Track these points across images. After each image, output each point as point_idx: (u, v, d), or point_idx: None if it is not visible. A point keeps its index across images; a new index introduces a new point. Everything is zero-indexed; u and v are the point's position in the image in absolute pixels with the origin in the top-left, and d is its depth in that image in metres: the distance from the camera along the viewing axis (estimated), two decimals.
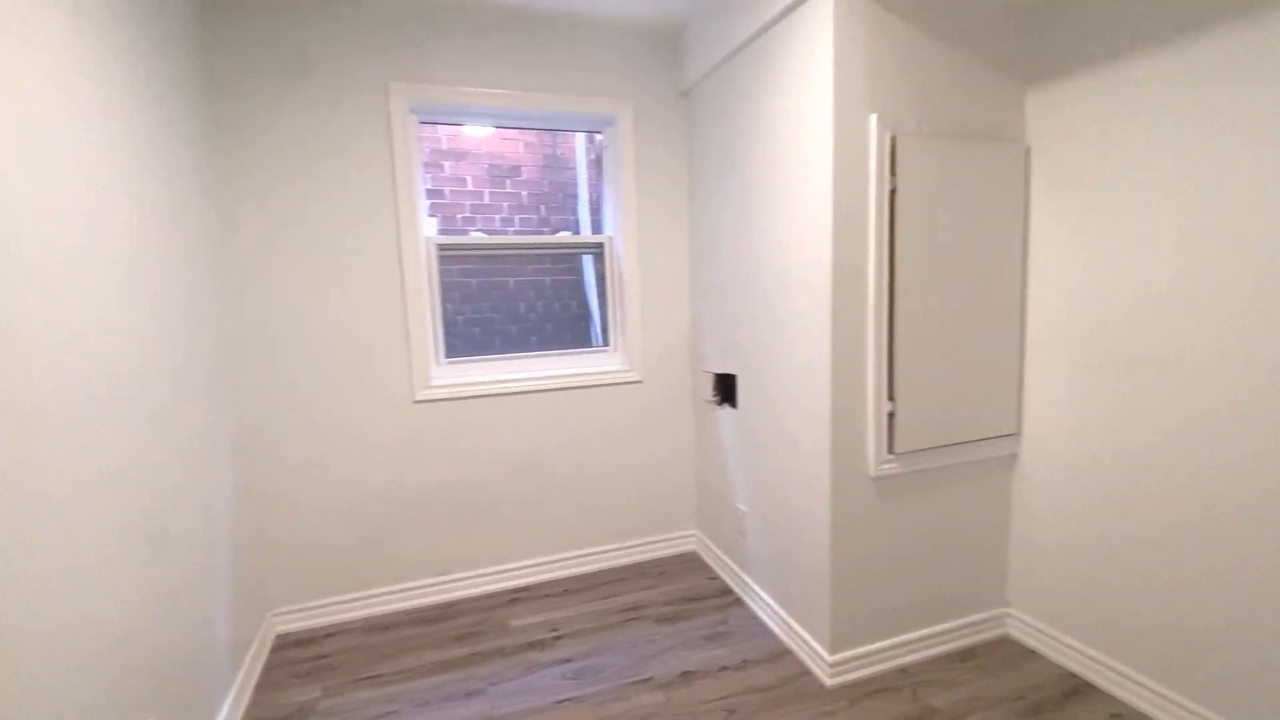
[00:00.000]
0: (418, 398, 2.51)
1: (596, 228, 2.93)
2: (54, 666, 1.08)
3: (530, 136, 2.90)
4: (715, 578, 2.74)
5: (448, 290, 2.72)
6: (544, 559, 2.78)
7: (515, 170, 2.92)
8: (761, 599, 2.39)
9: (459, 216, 2.86)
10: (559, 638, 2.32)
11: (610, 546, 2.88)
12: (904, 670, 2.06)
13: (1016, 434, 2.14)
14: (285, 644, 2.34)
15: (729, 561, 2.67)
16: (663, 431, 2.91)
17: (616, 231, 2.78)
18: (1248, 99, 1.49)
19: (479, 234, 2.78)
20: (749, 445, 2.41)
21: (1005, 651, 2.14)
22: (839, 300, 1.87)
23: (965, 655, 2.12)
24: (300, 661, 2.23)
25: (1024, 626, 2.18)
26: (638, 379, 2.82)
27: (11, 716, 0.97)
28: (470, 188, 2.87)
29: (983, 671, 2.04)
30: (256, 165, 2.23)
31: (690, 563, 2.89)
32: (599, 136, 2.85)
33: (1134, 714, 1.81)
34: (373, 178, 2.38)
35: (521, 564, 2.74)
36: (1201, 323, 1.62)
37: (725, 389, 2.58)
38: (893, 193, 1.87)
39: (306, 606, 2.45)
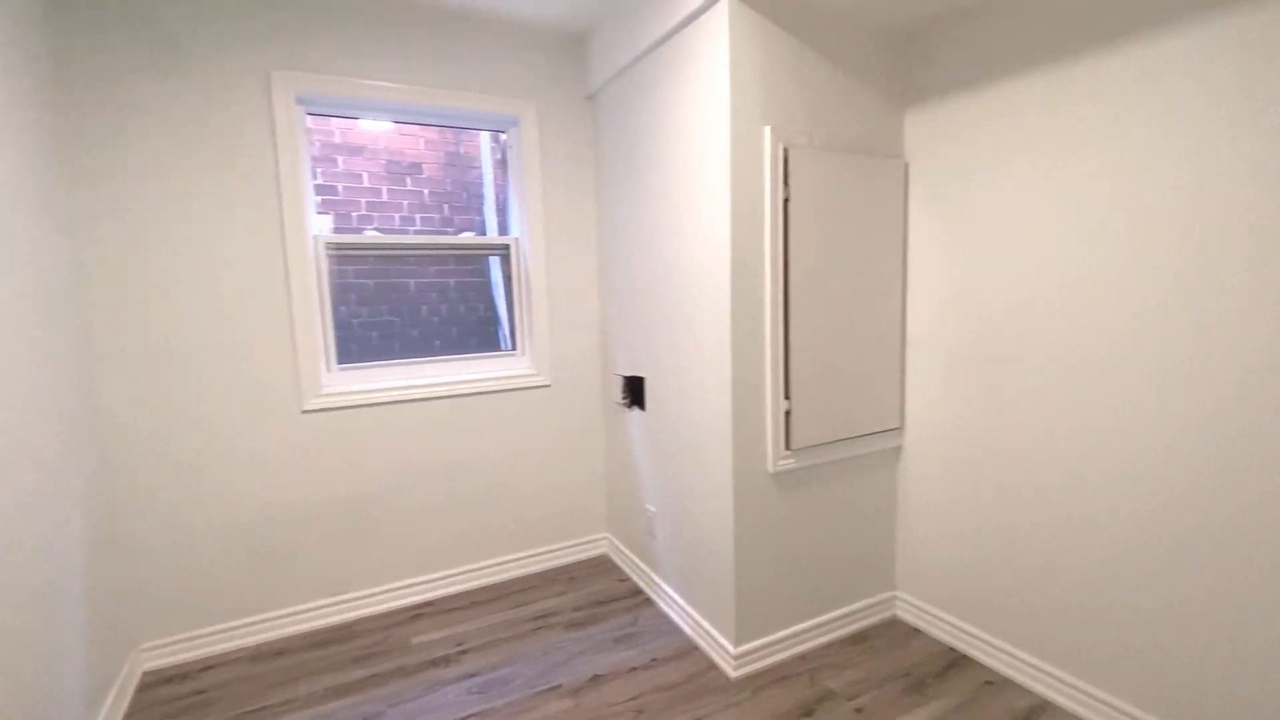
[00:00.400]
0: (306, 407, 2.35)
1: (503, 229, 2.87)
2: None
3: (432, 134, 2.80)
4: (626, 579, 2.75)
5: (342, 292, 2.58)
6: (450, 571, 2.68)
7: (416, 167, 2.81)
8: (670, 598, 2.42)
9: (354, 215, 2.71)
10: (464, 652, 2.25)
11: (520, 554, 2.82)
12: (803, 657, 2.15)
13: (900, 428, 2.30)
14: (154, 682, 2.12)
15: (639, 562, 2.69)
16: (572, 435, 2.89)
17: (523, 233, 2.74)
18: (1093, 122, 1.69)
19: (375, 233, 2.65)
20: (657, 446, 2.45)
21: (894, 632, 2.29)
22: (738, 303, 1.93)
23: (859, 638, 2.25)
24: (172, 700, 2.03)
25: (910, 608, 2.34)
26: (546, 383, 2.79)
27: None
28: (367, 184, 2.73)
29: (874, 652, 2.17)
30: (121, 162, 2.01)
31: (601, 566, 2.89)
32: (504, 136, 2.79)
33: (1003, 680, 1.99)
34: (254, 172, 2.21)
35: (426, 578, 2.64)
36: (1043, 326, 1.81)
37: (634, 391, 2.60)
38: (786, 201, 1.96)
39: (180, 638, 2.23)
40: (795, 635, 2.16)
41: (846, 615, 2.27)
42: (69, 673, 1.67)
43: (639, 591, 2.64)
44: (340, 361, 2.54)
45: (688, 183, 2.08)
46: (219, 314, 2.20)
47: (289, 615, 2.39)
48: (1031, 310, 1.85)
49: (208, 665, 2.21)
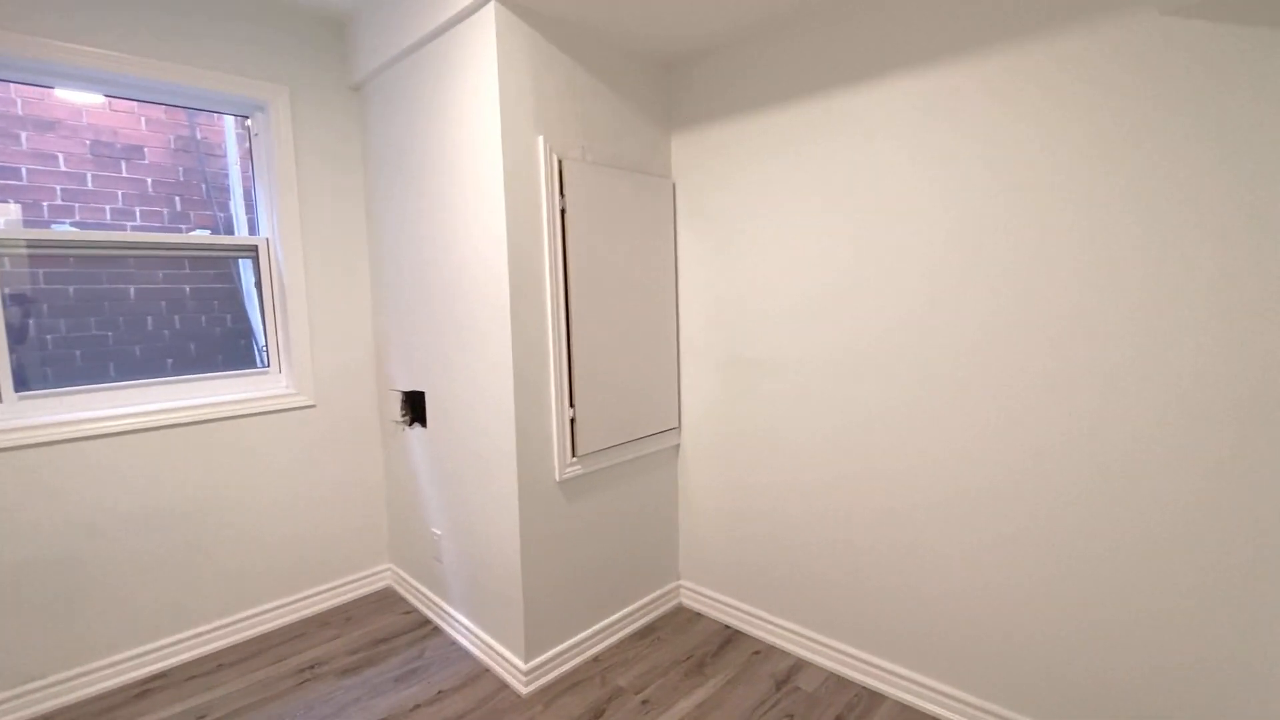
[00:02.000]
0: None
1: (254, 228, 2.52)
2: None
3: (158, 112, 2.36)
4: (411, 611, 2.55)
5: (27, 300, 2.05)
6: (189, 632, 2.24)
7: (135, 151, 2.34)
8: (459, 623, 2.30)
9: (45, 204, 2.18)
10: None
11: (284, 600, 2.47)
12: (596, 659, 2.18)
13: (678, 427, 2.47)
14: None
15: (426, 591, 2.52)
16: (344, 460, 2.62)
17: (274, 233, 2.43)
18: (822, 155, 1.98)
19: (72, 228, 2.16)
20: (441, 464, 2.32)
21: (678, 620, 2.43)
22: (519, 312, 1.91)
23: (646, 632, 2.35)
24: None
25: (691, 594, 2.51)
26: (309, 403, 2.49)
27: None
28: (64, 168, 2.21)
29: (660, 643, 2.28)
30: None
31: (383, 600, 2.65)
32: (249, 122, 2.46)
33: (769, 648, 2.22)
34: None
35: (160, 643, 2.17)
36: (791, 332, 2.09)
37: (415, 407, 2.44)
38: (563, 212, 2.00)
39: None
40: (586, 639, 2.18)
41: (635, 610, 2.36)
42: None
43: (426, 622, 2.46)
44: (26, 388, 2.01)
45: (463, 188, 2.02)
46: None
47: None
48: (780, 317, 2.12)
49: None
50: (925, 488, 1.82)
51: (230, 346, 2.51)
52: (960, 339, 1.72)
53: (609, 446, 2.18)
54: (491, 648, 2.13)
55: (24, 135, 2.16)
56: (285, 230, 2.41)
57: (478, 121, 1.92)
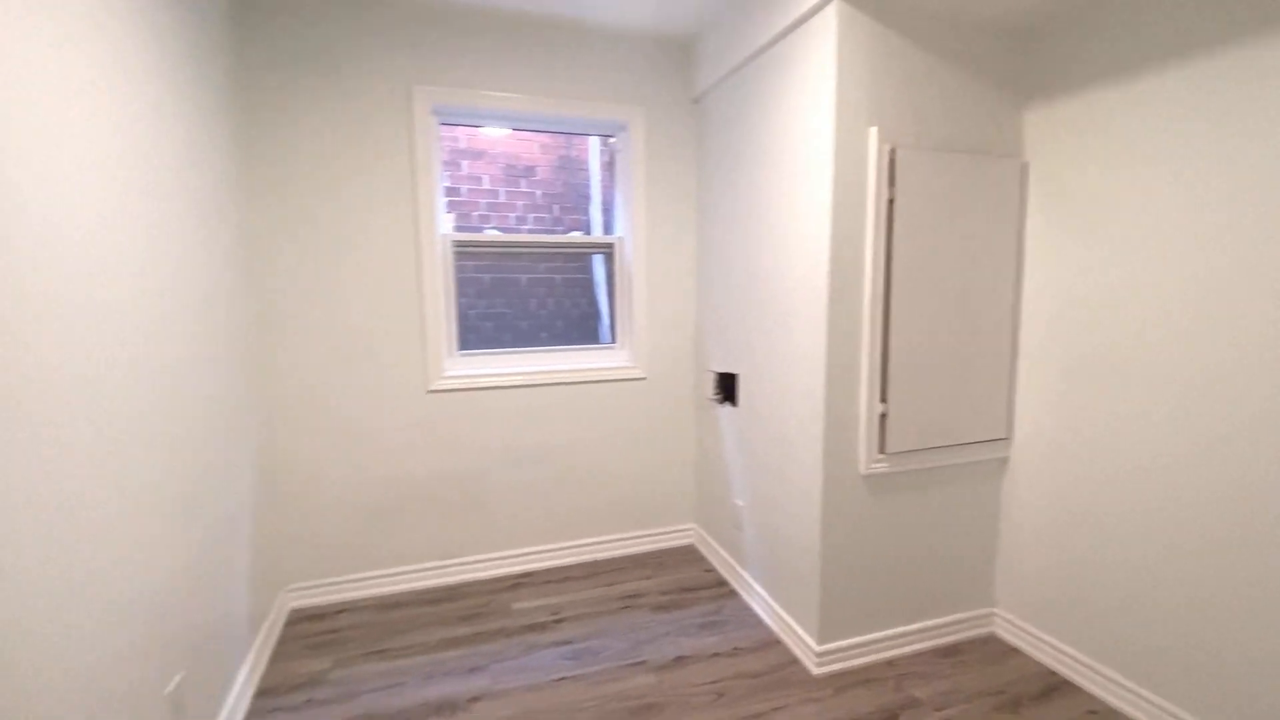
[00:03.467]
0: (431, 388, 2.62)
1: (608, 228, 3.03)
2: (90, 609, 1.19)
3: (546, 138, 3.00)
4: (711, 570, 2.82)
5: (462, 285, 2.83)
6: (546, 546, 2.88)
7: (530, 170, 3.02)
8: (755, 591, 2.47)
9: (475, 214, 2.96)
10: (559, 621, 2.42)
11: (610, 537, 2.98)
12: (890, 663, 2.13)
13: (1008, 439, 2.20)
14: (299, 618, 2.46)
15: (725, 555, 2.75)
16: (665, 427, 3.00)
17: (626, 233, 2.88)
18: (1240, 120, 1.56)
19: (493, 232, 2.88)
20: (747, 442, 2.50)
21: (989, 649, 2.21)
22: (835, 304, 1.95)
23: (950, 651, 2.19)
24: (312, 635, 2.34)
25: (1008, 626, 2.24)
26: (642, 375, 2.92)
27: (56, 650, 1.08)
28: (486, 186, 2.97)
29: (966, 667, 2.11)
30: (279, 158, 2.35)
31: (688, 555, 2.98)
32: (612, 140, 2.94)
33: (1110, 712, 1.88)
34: (393, 175, 2.49)
35: (524, 550, 2.85)
36: (1168, 339, 1.68)
37: (726, 387, 2.67)
38: (891, 202, 1.95)
39: (319, 583, 2.57)
40: (882, 640, 2.14)
41: (939, 626, 2.22)
42: (240, 595, 1.99)
43: (723, 582, 2.70)
44: (460, 349, 2.79)
45: (790, 183, 2.11)
46: (361, 299, 2.50)
47: (407, 573, 2.67)
48: (1157, 322, 1.73)
49: (341, 609, 2.52)
50: None
51: (583, 325, 3.08)
52: None
53: (922, 449, 2.07)
54: (785, 621, 2.25)
55: (464, 164, 2.96)
56: (635, 230, 2.84)
57: (811, 118, 1.98)
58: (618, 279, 2.94)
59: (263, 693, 2.01)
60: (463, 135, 2.89)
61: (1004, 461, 2.24)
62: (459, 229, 2.84)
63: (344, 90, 2.39)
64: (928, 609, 2.21)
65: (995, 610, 2.30)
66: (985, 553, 2.27)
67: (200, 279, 1.79)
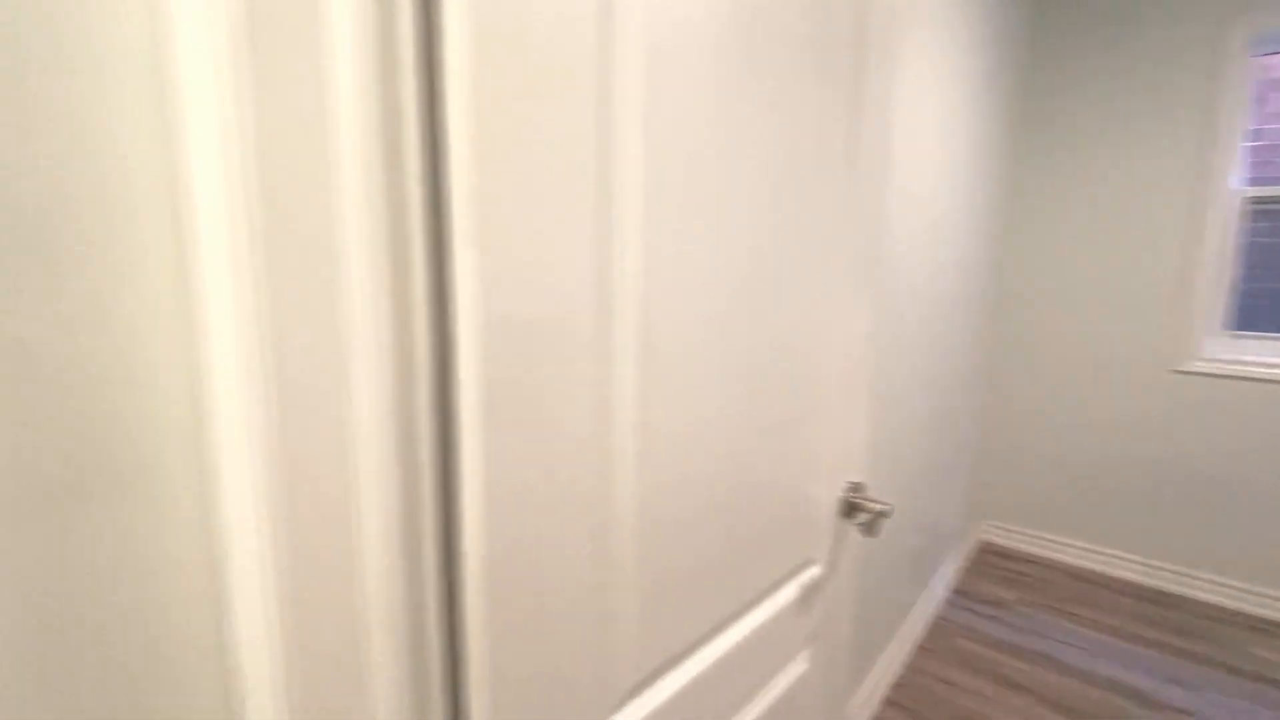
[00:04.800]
0: (1178, 368, 2.33)
1: None
2: (910, 476, 1.80)
3: None
4: None
5: (1248, 252, 2.32)
6: None
7: None
8: None
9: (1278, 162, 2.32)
10: None
11: None
12: None
13: None
14: (987, 551, 2.78)
15: None
16: None
17: None
18: None
19: None
20: None
21: None
22: None
23: None
24: (999, 567, 2.62)
25: None
26: None
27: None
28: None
29: None
30: (1048, 124, 2.50)
31: None
32: None
33: None
34: (1177, 127, 2.25)
35: (1266, 590, 2.23)
36: None
37: None
38: None
39: (1010, 528, 2.80)
40: None
41: None
42: (952, 513, 2.45)
43: None
44: (1235, 328, 2.34)
45: None
46: (1112, 262, 2.44)
47: (1104, 554, 2.57)
48: None
49: (1029, 559, 2.69)
50: None
51: None
52: None
53: None
54: None
55: (1272, 98, 2.31)
56: None
57: None
58: None
59: (958, 592, 2.44)
60: (1275, 63, 2.27)
61: None
62: (1254, 182, 2.31)
63: (1135, 45, 2.30)
64: None
65: None
66: None
67: (983, 256, 2.22)
